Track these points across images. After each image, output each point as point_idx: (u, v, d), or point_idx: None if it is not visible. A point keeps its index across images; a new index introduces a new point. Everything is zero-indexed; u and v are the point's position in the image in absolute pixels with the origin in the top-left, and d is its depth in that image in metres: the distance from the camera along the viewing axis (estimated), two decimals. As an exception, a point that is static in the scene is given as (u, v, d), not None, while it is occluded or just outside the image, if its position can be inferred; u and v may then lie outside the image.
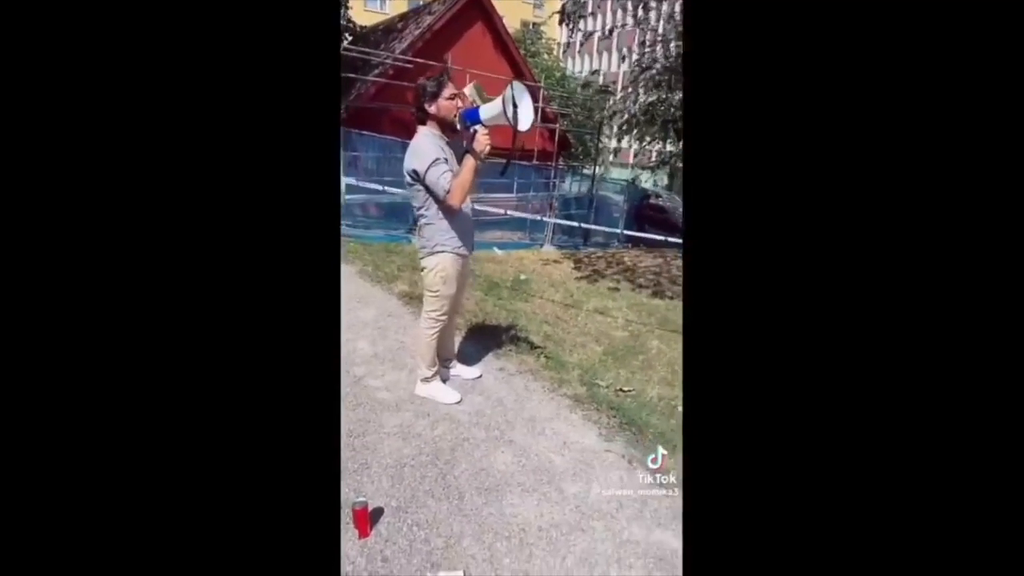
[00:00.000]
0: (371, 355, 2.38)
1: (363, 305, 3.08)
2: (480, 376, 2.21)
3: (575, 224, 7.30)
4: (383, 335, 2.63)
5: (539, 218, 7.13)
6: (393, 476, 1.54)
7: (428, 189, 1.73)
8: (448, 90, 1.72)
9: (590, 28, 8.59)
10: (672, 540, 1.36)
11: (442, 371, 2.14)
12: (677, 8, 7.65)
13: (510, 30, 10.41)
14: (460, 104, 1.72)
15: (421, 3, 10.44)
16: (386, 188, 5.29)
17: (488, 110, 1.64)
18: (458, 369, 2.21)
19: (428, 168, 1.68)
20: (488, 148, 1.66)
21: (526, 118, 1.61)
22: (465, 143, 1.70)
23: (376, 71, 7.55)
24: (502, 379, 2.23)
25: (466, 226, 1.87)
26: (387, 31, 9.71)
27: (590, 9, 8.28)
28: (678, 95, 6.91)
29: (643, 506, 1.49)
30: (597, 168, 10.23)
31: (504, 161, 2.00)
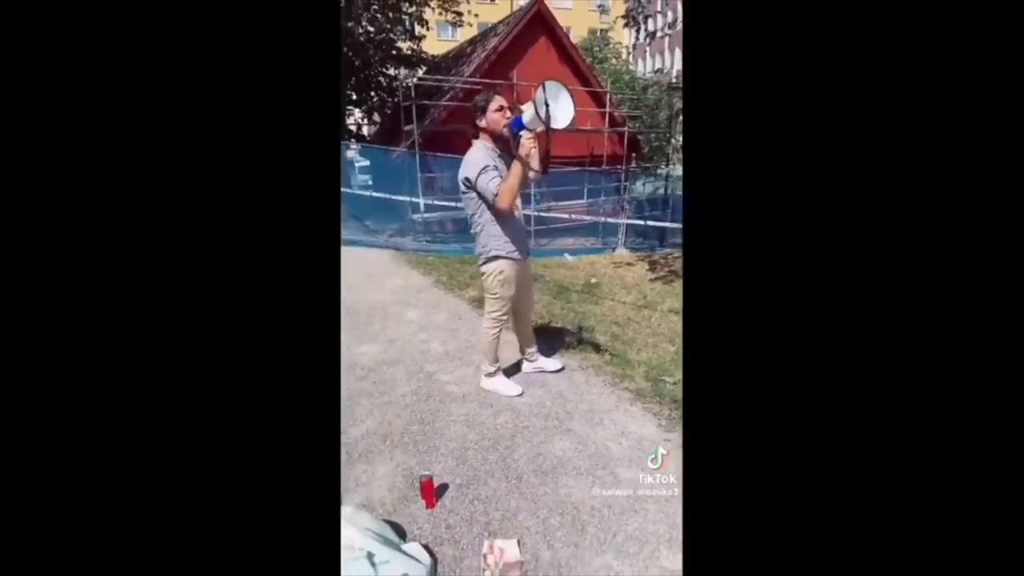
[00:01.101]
0: (443, 353, 2.57)
1: (436, 310, 3.32)
2: (563, 368, 2.32)
3: (649, 224, 7.13)
4: (454, 336, 2.83)
5: (609, 220, 7.07)
6: (458, 457, 1.68)
7: (480, 196, 1.89)
8: (495, 103, 1.88)
9: (655, 27, 8.42)
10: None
11: (524, 364, 2.30)
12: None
13: (578, 39, 10.52)
14: (508, 115, 1.87)
15: (489, 26, 10.93)
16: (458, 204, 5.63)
17: (528, 114, 1.75)
18: (540, 361, 2.33)
19: (479, 175, 1.84)
20: (534, 151, 1.78)
21: (562, 116, 1.68)
22: (514, 149, 1.83)
23: (447, 96, 8.04)
24: (564, 374, 2.30)
25: (518, 231, 2.01)
26: (457, 57, 10.31)
27: (658, 7, 8.13)
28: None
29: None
30: (671, 167, 9.88)
31: (544, 176, 2.10)
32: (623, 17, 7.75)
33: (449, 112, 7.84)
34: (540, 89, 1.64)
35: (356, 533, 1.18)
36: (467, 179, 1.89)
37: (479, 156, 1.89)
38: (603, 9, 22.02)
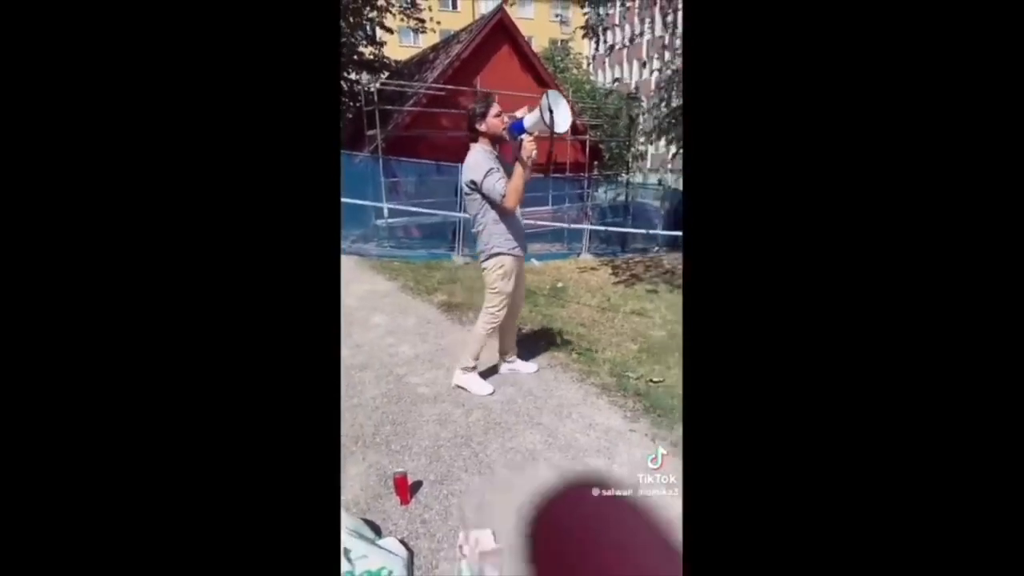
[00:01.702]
0: (412, 357, 2.58)
1: (405, 315, 3.31)
2: (537, 370, 2.38)
3: (612, 231, 7.35)
4: (423, 339, 2.83)
5: (573, 227, 7.23)
6: (431, 455, 1.70)
7: (485, 196, 1.97)
8: (494, 109, 1.99)
9: (613, 40, 8.72)
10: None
11: (502, 365, 2.35)
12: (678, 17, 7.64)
13: (539, 48, 10.74)
14: (506, 120, 1.98)
15: (451, 33, 10.99)
16: (427, 211, 5.61)
17: (530, 119, 1.87)
18: (517, 364, 2.38)
19: (484, 177, 1.93)
20: (535, 153, 1.89)
21: (563, 121, 1.82)
22: (514, 152, 1.94)
23: (411, 101, 8.03)
24: (533, 373, 2.35)
25: (518, 229, 2.11)
26: (420, 63, 10.31)
27: (615, 20, 8.44)
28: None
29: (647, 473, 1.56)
30: (630, 175, 10.23)
31: (541, 175, 2.21)
32: (582, 28, 8.01)
33: (413, 117, 7.83)
34: (544, 97, 1.79)
35: (332, 530, 1.18)
36: (472, 181, 1.98)
37: (481, 159, 1.98)
38: (563, 20, 22.57)
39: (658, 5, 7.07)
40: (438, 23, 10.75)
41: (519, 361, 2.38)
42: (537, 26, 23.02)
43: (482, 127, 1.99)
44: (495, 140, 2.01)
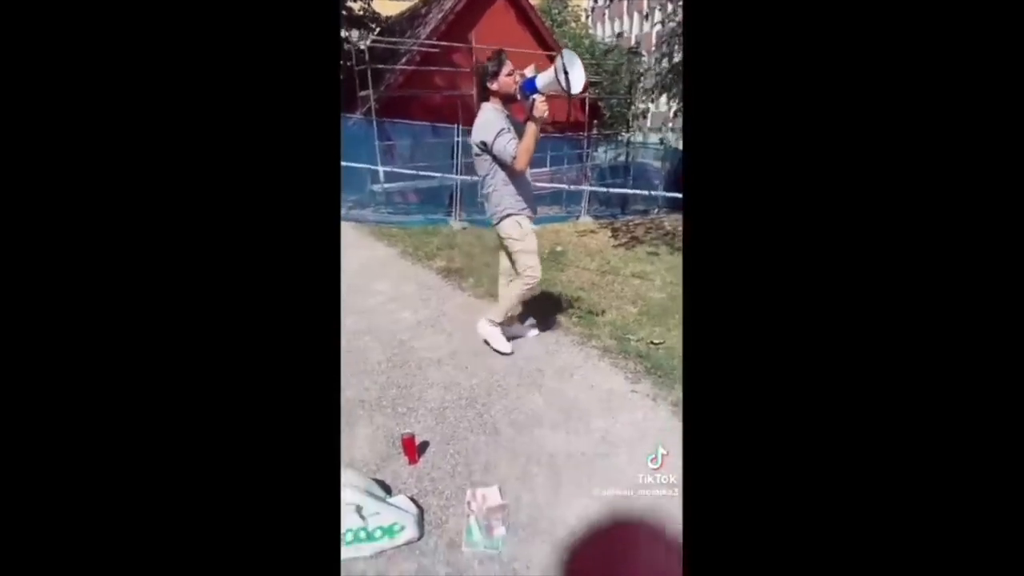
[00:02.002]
0: (415, 322, 2.59)
1: (405, 281, 3.31)
2: (539, 334, 2.40)
3: (612, 192, 7.24)
4: (425, 304, 2.84)
5: (572, 189, 7.13)
6: (437, 416, 1.74)
7: (495, 157, 1.94)
8: (507, 68, 1.93)
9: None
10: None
11: (481, 323, 2.33)
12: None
13: (536, 1, 10.26)
14: (518, 79, 1.91)
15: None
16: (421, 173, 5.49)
17: (543, 79, 1.81)
18: (517, 328, 2.38)
19: (496, 137, 1.89)
20: (547, 112, 1.85)
21: (577, 82, 1.78)
22: (526, 111, 1.88)
23: (403, 59, 7.73)
24: (535, 337, 2.38)
25: (528, 190, 2.09)
26: (411, 18, 9.84)
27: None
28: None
29: (665, 436, 1.60)
30: (631, 134, 10.00)
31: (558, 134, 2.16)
32: (582, -22, 7.58)
33: (406, 76, 7.56)
34: (559, 57, 1.74)
35: (344, 490, 1.22)
36: (483, 142, 1.94)
37: (492, 118, 1.93)
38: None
39: None
40: (428, -26, 10.19)
41: (518, 325, 2.39)
42: (533, -24, 21.86)
43: (494, 86, 1.93)
44: (506, 99, 1.96)
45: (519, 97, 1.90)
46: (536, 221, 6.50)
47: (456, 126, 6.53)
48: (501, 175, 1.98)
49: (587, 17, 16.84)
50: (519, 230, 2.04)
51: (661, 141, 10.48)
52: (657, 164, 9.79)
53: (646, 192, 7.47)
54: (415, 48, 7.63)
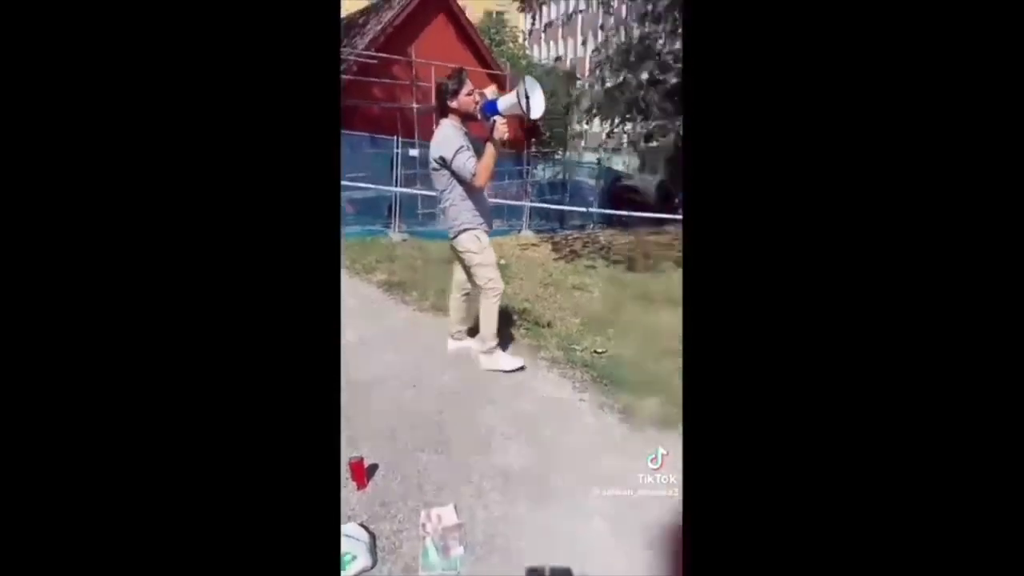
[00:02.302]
0: (356, 341, 2.49)
1: (345, 295, 3.17)
2: (523, 367, 2.24)
3: (551, 208, 7.44)
4: (367, 321, 2.74)
5: (513, 203, 7.25)
6: (386, 438, 1.67)
7: (453, 173, 1.95)
8: (467, 87, 1.97)
9: (552, 15, 8.67)
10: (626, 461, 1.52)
11: (450, 342, 2.32)
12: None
13: (475, 20, 10.43)
14: (478, 99, 1.96)
15: (380, -2, 10.35)
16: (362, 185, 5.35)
17: (505, 102, 1.89)
18: (467, 342, 2.35)
19: (455, 154, 1.92)
20: (507, 135, 1.91)
21: (537, 107, 1.87)
22: (487, 131, 1.93)
23: (340, 69, 7.51)
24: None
25: (484, 206, 2.10)
26: (348, 27, 9.63)
27: (550, -4, 8.34)
28: (643, 75, 7.05)
29: (613, 443, 1.65)
30: (568, 153, 10.38)
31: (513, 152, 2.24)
32: (519, 1, 7.85)
33: (343, 86, 7.34)
34: (521, 83, 1.84)
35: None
36: (442, 158, 1.95)
37: (452, 135, 1.96)
38: (498, -9, 21.96)
39: None
40: (366, -17, 10.06)
41: (501, 355, 2.27)
42: (471, -5, 22.26)
43: (453, 103, 1.98)
44: (465, 117, 2.00)
45: (479, 117, 1.95)
46: (479, 235, 6.38)
47: (395, 138, 6.43)
48: (459, 190, 2.00)
49: (524, 39, 17.38)
50: (477, 244, 2.05)
51: (598, 161, 10.97)
52: (592, 182, 10.22)
53: (584, 209, 7.75)
54: (352, 58, 7.46)
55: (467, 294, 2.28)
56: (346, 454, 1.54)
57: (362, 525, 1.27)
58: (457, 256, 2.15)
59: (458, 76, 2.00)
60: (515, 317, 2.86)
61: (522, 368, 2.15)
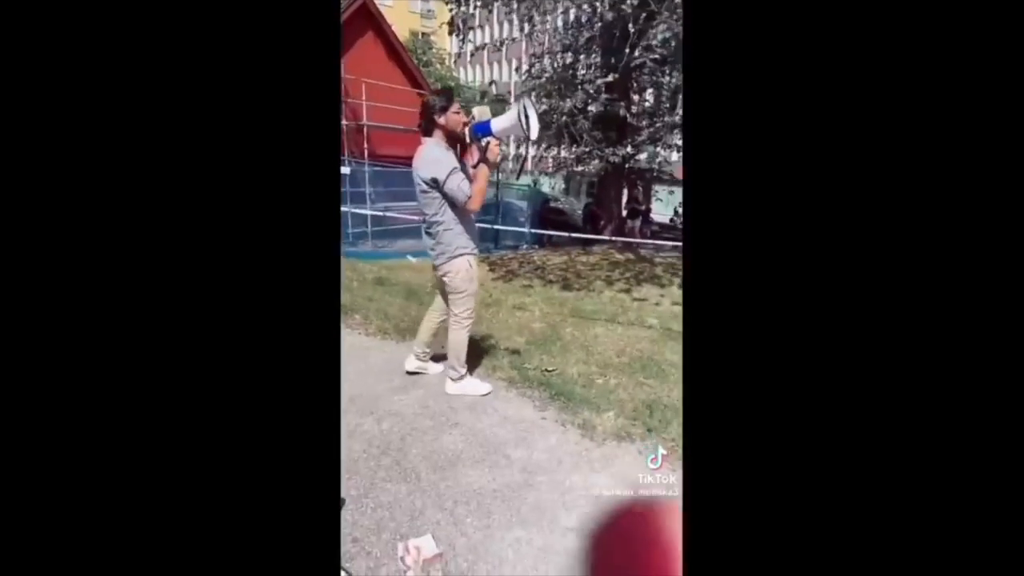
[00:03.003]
0: (301, 366, 2.35)
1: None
2: (489, 392, 2.22)
3: (485, 227, 7.53)
4: (309, 346, 2.60)
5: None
6: (348, 470, 1.59)
7: (445, 196, 1.88)
8: (455, 106, 1.91)
9: (480, 40, 8.92)
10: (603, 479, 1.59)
11: (410, 360, 2.27)
12: (560, 22, 8.26)
13: (401, 39, 10.42)
14: (466, 119, 1.91)
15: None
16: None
17: (500, 123, 1.85)
18: (428, 364, 2.32)
19: (448, 176, 1.84)
20: (499, 157, 1.88)
21: (535, 128, 1.87)
22: (479, 153, 1.89)
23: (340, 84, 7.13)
24: (438, 373, 2.34)
25: (474, 229, 2.06)
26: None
27: (478, 21, 8.59)
28: (568, 103, 7.47)
29: (579, 458, 1.71)
30: (499, 175, 10.61)
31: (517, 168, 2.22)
32: (448, 24, 8.01)
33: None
34: (520, 103, 1.81)
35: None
36: (434, 179, 1.87)
37: (442, 156, 1.89)
38: (426, 14, 22.15)
39: (517, 11, 7.44)
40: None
41: (469, 381, 2.22)
42: (397, 15, 22.24)
43: (441, 120, 1.91)
44: (451, 137, 1.93)
45: (468, 139, 1.92)
46: (414, 254, 6.40)
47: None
48: (451, 214, 1.93)
49: (452, 61, 17.63)
50: (469, 270, 2.00)
51: (534, 183, 11.30)
52: (523, 204, 10.52)
53: (522, 229, 7.94)
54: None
55: (444, 319, 2.22)
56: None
57: (341, 568, 1.20)
58: (440, 281, 2.08)
59: (447, 93, 1.96)
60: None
61: (488, 393, 2.15)
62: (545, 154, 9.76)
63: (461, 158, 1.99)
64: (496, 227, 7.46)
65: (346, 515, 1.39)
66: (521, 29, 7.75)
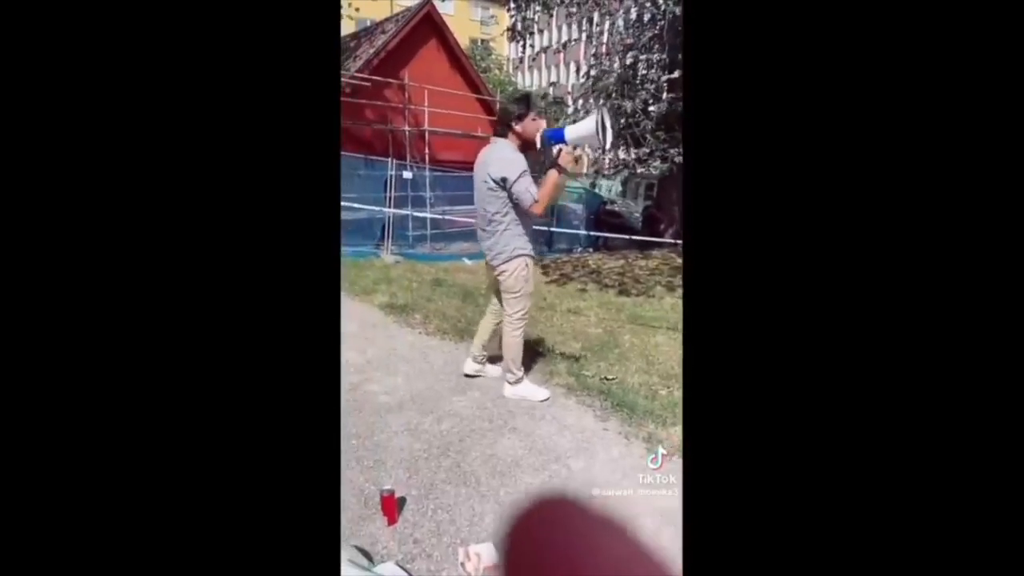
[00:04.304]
0: (363, 363, 2.42)
1: (346, 319, 3.09)
2: (548, 398, 2.19)
3: (539, 230, 7.51)
4: (371, 344, 2.67)
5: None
6: (409, 468, 1.60)
7: (511, 196, 1.90)
8: (534, 112, 1.94)
9: (540, 44, 8.93)
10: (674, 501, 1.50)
11: (467, 363, 2.27)
12: (621, 22, 8.10)
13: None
14: (543, 126, 1.93)
15: (369, 23, 10.50)
16: (358, 206, 5.30)
17: (576, 131, 1.87)
18: (487, 368, 2.31)
19: (519, 177, 1.87)
20: (573, 164, 1.89)
21: (611, 138, 1.87)
22: (550, 159, 1.91)
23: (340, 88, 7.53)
24: (497, 376, 2.33)
25: (533, 232, 2.07)
26: (340, 51, 9.70)
27: (538, 25, 8.60)
28: (630, 104, 7.29)
29: (644, 472, 1.63)
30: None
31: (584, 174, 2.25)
32: (509, 30, 8.08)
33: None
34: (597, 112, 1.83)
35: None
36: (504, 179, 1.89)
37: (515, 158, 1.91)
38: (485, 21, 22.58)
39: (577, 14, 7.36)
40: (356, 9, 10.20)
41: (528, 385, 2.20)
42: (457, 23, 22.88)
43: (518, 127, 1.92)
44: (526, 142, 1.95)
45: (539, 145, 1.92)
46: (470, 257, 6.48)
47: (389, 160, 6.44)
48: (513, 215, 1.94)
49: (513, 67, 17.85)
50: (526, 271, 2.01)
51: (593, 185, 11.17)
52: (577, 207, 10.40)
53: (574, 231, 7.85)
54: (346, 80, 7.49)
55: (500, 322, 2.20)
56: (369, 485, 1.48)
57: (398, 564, 1.20)
58: (496, 281, 2.08)
59: (525, 99, 1.97)
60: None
61: (547, 399, 2.11)
62: (604, 156, 9.59)
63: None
64: (551, 229, 7.39)
65: (406, 515, 1.39)
66: (581, 31, 7.67)
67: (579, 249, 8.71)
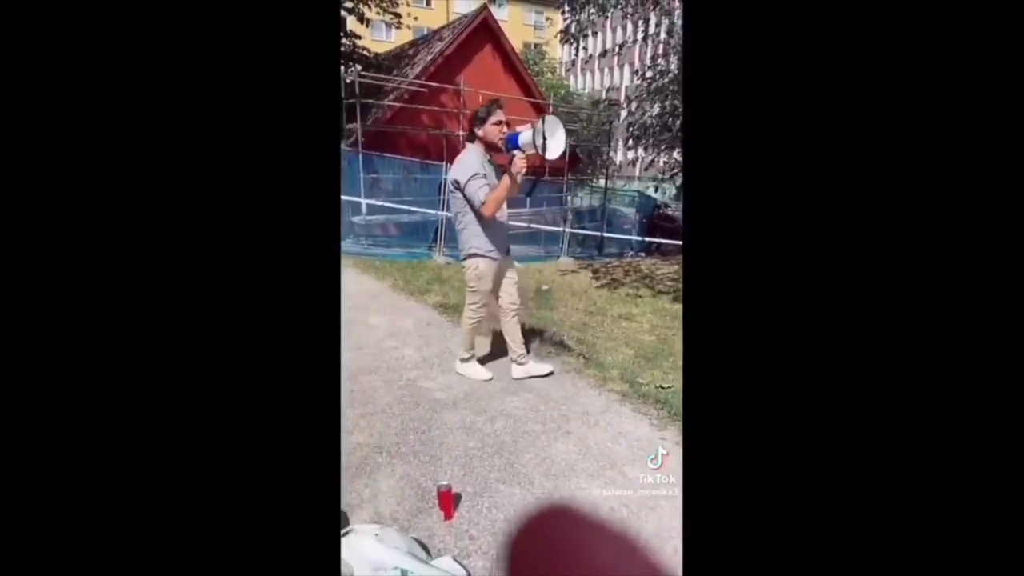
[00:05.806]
0: (420, 360, 2.49)
1: (403, 316, 3.20)
2: (552, 372, 2.35)
3: (589, 234, 7.42)
4: (427, 342, 2.74)
5: (551, 229, 7.27)
6: (464, 466, 1.63)
7: (466, 198, 2.00)
8: (495, 117, 2.01)
9: (593, 47, 8.86)
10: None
11: (514, 368, 2.31)
12: (678, 23, 7.89)
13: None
14: (504, 130, 2.00)
15: (426, 31, 10.83)
16: (409, 208, 5.48)
17: (524, 137, 1.88)
18: (530, 366, 2.32)
19: (468, 180, 1.96)
20: (523, 170, 1.92)
21: (555, 148, 1.86)
22: (506, 164, 1.94)
23: (391, 96, 7.83)
24: (550, 378, 2.32)
25: (498, 233, 2.14)
26: (398, 57, 10.07)
27: (593, 28, 8.53)
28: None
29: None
30: (610, 181, 10.41)
31: (532, 180, 2.29)
32: (561, 33, 8.07)
33: (394, 112, 7.63)
34: (540, 122, 1.81)
35: (387, 551, 1.10)
36: (456, 181, 2.01)
37: (471, 161, 2.00)
38: (539, 25, 22.70)
39: (632, 16, 7.23)
40: (414, 19, 10.55)
41: (532, 363, 2.33)
42: (511, 28, 23.14)
43: (479, 131, 2.04)
44: (489, 146, 2.05)
45: (503, 149, 1.98)
46: (519, 259, 6.59)
47: (444, 164, 6.60)
48: (471, 216, 2.04)
49: (566, 70, 17.84)
50: (477, 271, 2.11)
51: (655, 188, 10.97)
52: (631, 211, 10.20)
53: (626, 236, 7.71)
54: (404, 86, 7.76)
55: (516, 313, 2.29)
56: (425, 480, 1.51)
57: (455, 559, 1.22)
58: (499, 281, 2.21)
59: (488, 106, 2.06)
60: (567, 345, 2.81)
61: (551, 373, 2.28)
62: (658, 158, 9.35)
63: (501, 166, 2.05)
64: (602, 234, 7.29)
65: (461, 511, 1.41)
66: (637, 32, 7.54)
67: (630, 253, 8.53)
